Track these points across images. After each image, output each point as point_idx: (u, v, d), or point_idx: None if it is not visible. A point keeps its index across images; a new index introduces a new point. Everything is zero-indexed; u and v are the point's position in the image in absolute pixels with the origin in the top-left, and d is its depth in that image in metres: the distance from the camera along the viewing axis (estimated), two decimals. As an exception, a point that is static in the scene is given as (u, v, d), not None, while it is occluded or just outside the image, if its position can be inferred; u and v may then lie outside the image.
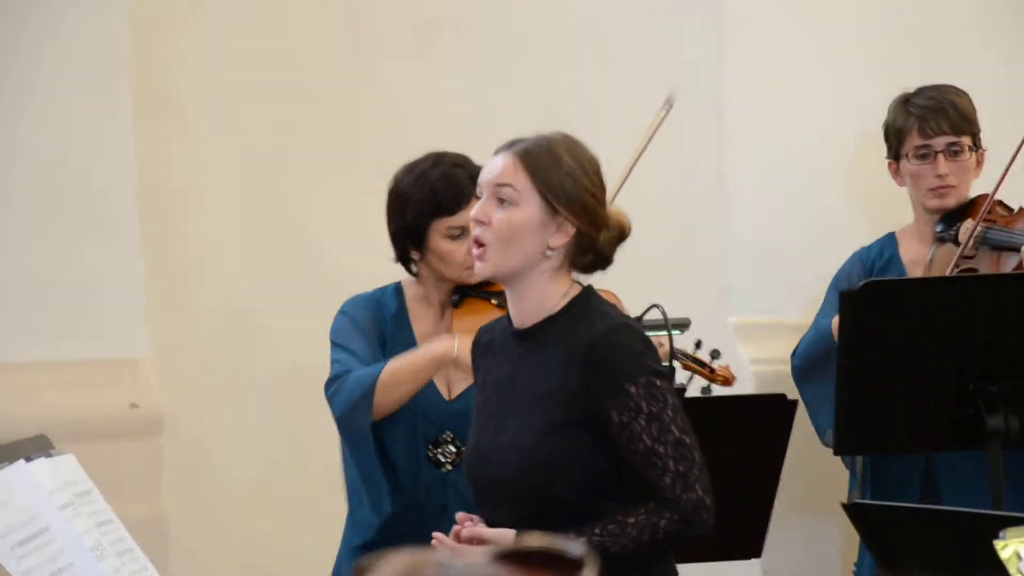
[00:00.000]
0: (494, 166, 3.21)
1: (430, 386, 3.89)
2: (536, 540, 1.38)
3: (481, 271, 3.22)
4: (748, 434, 3.97)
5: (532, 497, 3.16)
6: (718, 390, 4.31)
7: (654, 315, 3.92)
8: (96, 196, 4.75)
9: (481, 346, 3.33)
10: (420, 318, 3.94)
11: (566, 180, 3.17)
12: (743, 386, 4.91)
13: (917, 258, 4.59)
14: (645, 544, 3.12)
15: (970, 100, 4.58)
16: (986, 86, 4.82)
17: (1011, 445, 4.04)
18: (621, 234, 3.24)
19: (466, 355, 3.71)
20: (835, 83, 5.15)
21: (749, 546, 4.06)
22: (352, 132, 4.98)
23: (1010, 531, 2.49)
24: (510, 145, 3.23)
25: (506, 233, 3.17)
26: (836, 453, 4.33)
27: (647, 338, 3.21)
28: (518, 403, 3.20)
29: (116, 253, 4.77)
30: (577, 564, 1.38)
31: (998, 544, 2.46)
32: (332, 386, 3.86)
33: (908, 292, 4.08)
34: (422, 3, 5.07)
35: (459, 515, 3.26)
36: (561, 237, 3.18)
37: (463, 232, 3.87)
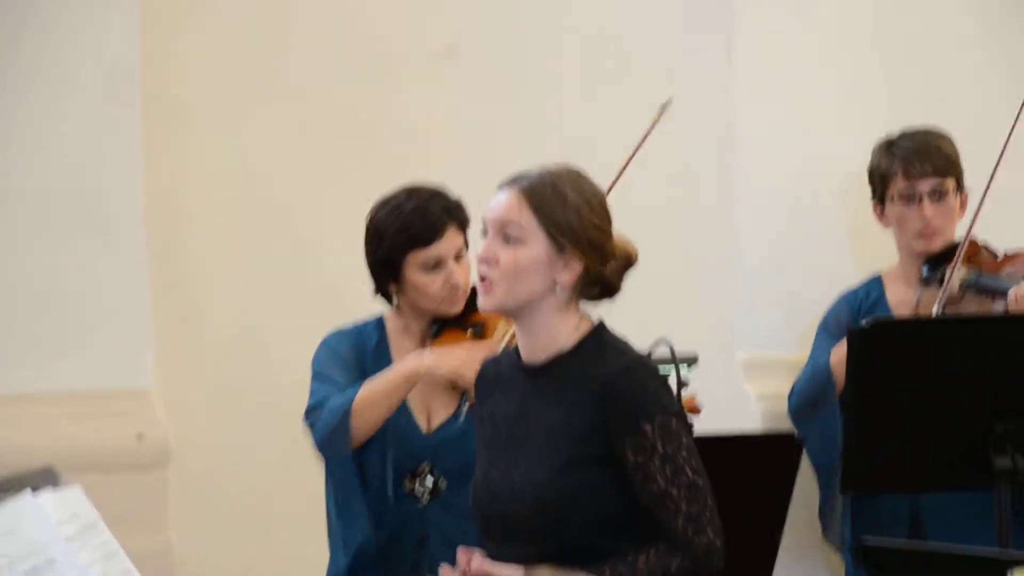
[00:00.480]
0: (498, 203, 3.21)
1: (408, 417, 3.93)
2: (546, 575, 1.39)
3: (485, 305, 3.23)
4: (755, 473, 3.96)
5: (546, 533, 3.15)
6: (722, 412, 4.30)
7: (662, 350, 3.92)
8: (104, 220, 4.75)
9: (487, 380, 3.33)
10: (401, 350, 3.98)
11: (572, 217, 3.17)
12: (750, 422, 4.91)
13: (904, 300, 4.62)
14: None
15: (952, 143, 4.64)
16: (993, 114, 4.83)
17: (1019, 485, 4.04)
18: (628, 262, 3.25)
19: (438, 366, 3.76)
20: (844, 113, 5.16)
21: (755, 585, 4.05)
22: (362, 152, 4.99)
23: (1018, 570, 2.49)
24: (513, 181, 3.22)
25: (512, 272, 3.18)
26: (842, 491, 4.33)
27: (661, 376, 3.21)
28: (530, 439, 3.20)
29: (123, 281, 4.77)
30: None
31: (1006, 586, 2.46)
32: (311, 415, 3.91)
33: (916, 331, 4.09)
34: (434, 27, 5.08)
35: (460, 549, 3.26)
36: (569, 273, 3.19)
37: (438, 264, 3.93)
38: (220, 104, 4.92)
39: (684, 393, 4.17)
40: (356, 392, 3.84)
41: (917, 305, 4.56)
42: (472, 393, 3.72)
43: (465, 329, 3.97)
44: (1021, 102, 4.51)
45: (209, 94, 4.91)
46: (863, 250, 5.14)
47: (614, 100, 5.12)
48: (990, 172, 4.44)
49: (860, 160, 5.11)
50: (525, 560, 3.17)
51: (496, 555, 3.23)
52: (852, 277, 4.87)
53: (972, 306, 4.46)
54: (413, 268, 3.94)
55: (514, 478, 3.19)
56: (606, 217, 3.22)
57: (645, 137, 4.02)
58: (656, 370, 3.21)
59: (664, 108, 4.03)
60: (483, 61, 5.09)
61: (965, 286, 4.49)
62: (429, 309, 3.96)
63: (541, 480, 3.16)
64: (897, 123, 4.75)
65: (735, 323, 5.12)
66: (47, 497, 3.05)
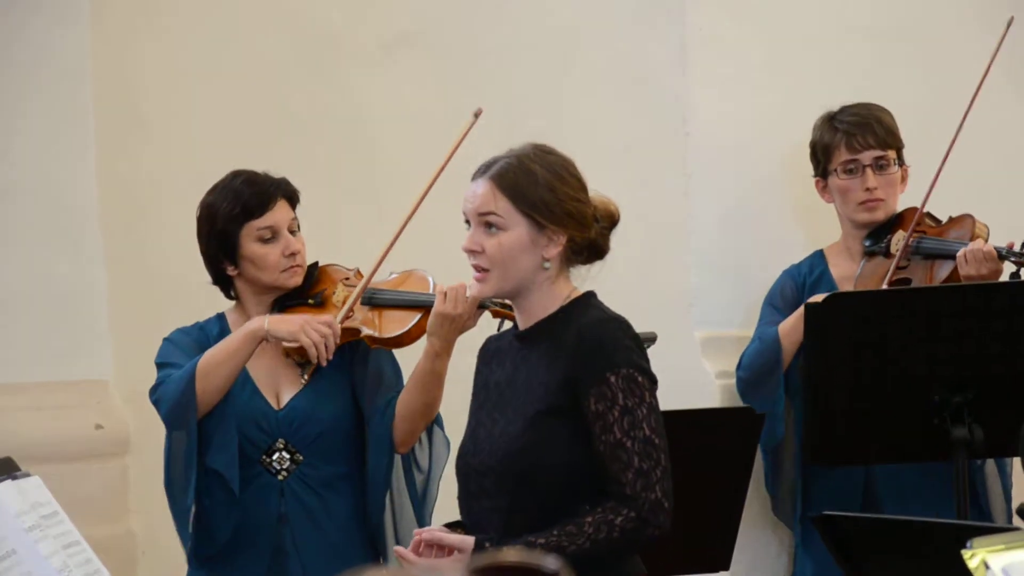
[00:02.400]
0: (474, 195, 3.29)
1: (259, 396, 3.98)
2: (512, 554, 1.39)
3: (482, 292, 3.32)
4: (716, 447, 3.98)
5: (514, 484, 3.21)
6: (681, 389, 4.30)
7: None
8: (58, 213, 4.73)
9: (488, 353, 3.41)
10: None
11: (545, 194, 3.24)
12: (709, 399, 4.92)
13: (847, 273, 4.66)
14: (602, 542, 3.15)
15: (892, 116, 4.69)
16: (945, 89, 4.87)
17: (976, 455, 4.07)
18: (612, 221, 3.34)
19: (278, 327, 3.83)
20: (797, 97, 5.17)
21: (717, 558, 4.07)
22: (318, 144, 4.98)
23: (977, 540, 2.50)
24: (484, 170, 3.30)
25: (500, 258, 3.26)
26: (806, 463, 4.35)
27: (637, 336, 3.26)
28: (514, 397, 3.27)
29: (80, 273, 4.76)
30: (552, 578, 1.39)
31: (966, 554, 2.48)
32: (156, 391, 3.97)
33: (873, 304, 4.11)
34: (387, 15, 5.07)
35: (415, 531, 3.30)
36: (554, 248, 3.26)
37: (274, 234, 4.01)
38: (172, 100, 4.91)
39: None
40: (198, 360, 3.90)
41: (860, 277, 4.60)
42: (314, 353, 3.77)
43: (306, 303, 4.02)
44: (980, 78, 4.53)
45: (161, 91, 4.89)
46: (819, 230, 5.15)
47: (571, 86, 5.12)
48: (941, 146, 4.47)
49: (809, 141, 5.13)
50: (496, 515, 3.22)
51: (470, 512, 3.27)
52: (806, 254, 4.89)
53: (919, 271, 4.50)
54: (249, 241, 4.01)
55: (494, 433, 3.26)
56: (579, 185, 3.29)
57: (456, 148, 4.04)
58: (633, 330, 3.26)
59: (476, 115, 4.06)
60: (439, 50, 5.08)
61: (911, 252, 4.53)
62: (269, 283, 4.01)
63: (512, 432, 3.23)
64: (852, 100, 4.78)
65: (692, 302, 5.13)
66: (6, 488, 3.03)
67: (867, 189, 4.62)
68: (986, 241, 4.46)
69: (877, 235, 4.64)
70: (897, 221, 4.63)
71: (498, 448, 3.24)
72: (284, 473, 3.95)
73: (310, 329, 3.85)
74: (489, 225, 3.25)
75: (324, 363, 3.87)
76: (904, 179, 4.69)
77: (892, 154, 4.66)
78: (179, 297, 4.88)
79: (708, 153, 5.16)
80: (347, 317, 3.94)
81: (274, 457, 3.96)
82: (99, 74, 4.78)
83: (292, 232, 4.04)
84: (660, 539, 3.20)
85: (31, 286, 4.70)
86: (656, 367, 4.10)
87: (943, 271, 4.46)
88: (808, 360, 4.07)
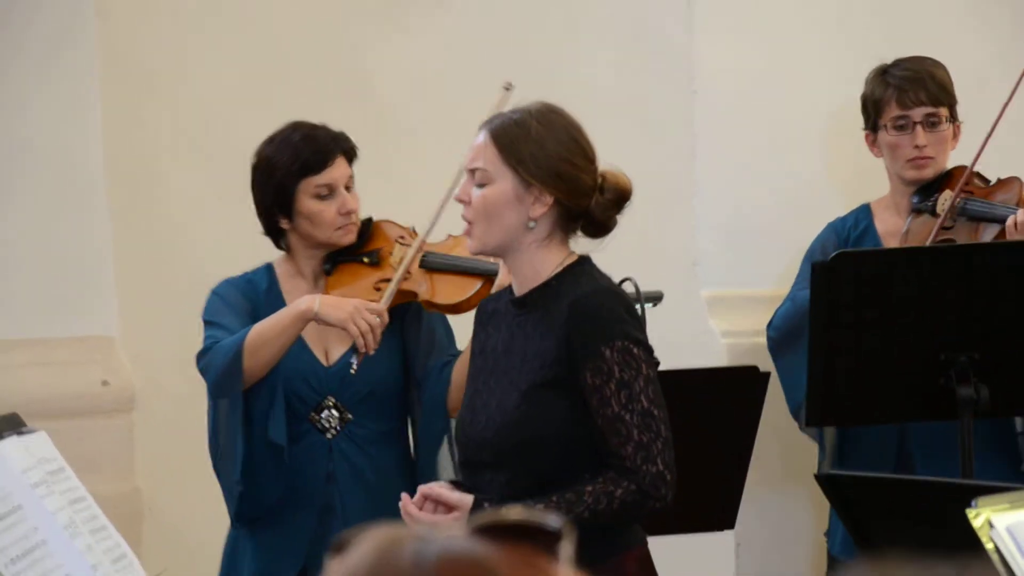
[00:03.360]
0: (472, 147, 3.25)
1: (308, 353, 3.95)
2: (514, 513, 1.39)
3: (470, 248, 3.29)
4: (720, 406, 3.98)
5: (511, 457, 3.19)
6: (687, 348, 4.30)
7: (627, 288, 3.92)
8: (64, 170, 4.73)
9: (485, 315, 3.37)
10: (293, 292, 4.00)
11: (535, 149, 3.19)
12: (715, 358, 4.92)
13: (893, 229, 4.59)
14: (602, 513, 3.13)
15: (947, 71, 4.59)
16: (962, 57, 4.83)
17: (982, 415, 4.06)
18: (620, 197, 3.26)
19: (328, 311, 3.79)
20: (808, 52, 5.15)
21: (722, 518, 4.08)
22: (324, 100, 4.96)
23: (982, 500, 2.51)
24: (488, 123, 3.26)
25: (483, 211, 3.21)
26: (807, 424, 4.35)
27: (632, 306, 3.24)
28: (510, 367, 3.24)
29: (86, 229, 4.76)
30: (555, 536, 1.39)
31: (970, 513, 2.48)
32: (203, 358, 3.92)
33: (879, 262, 4.09)
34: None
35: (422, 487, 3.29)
36: (540, 208, 3.20)
37: (331, 191, 3.96)
38: (179, 59, 4.89)
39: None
40: (247, 332, 3.86)
41: (907, 233, 4.54)
42: (362, 343, 3.76)
43: (360, 260, 3.99)
44: None
45: (167, 50, 4.88)
46: (825, 186, 5.14)
47: (574, 43, 5.10)
48: (993, 103, 4.39)
49: (820, 98, 5.11)
50: (495, 486, 3.21)
51: (471, 482, 3.26)
52: (814, 212, 4.87)
53: (963, 233, 4.44)
54: (306, 197, 3.96)
55: (491, 404, 3.24)
56: (578, 150, 3.23)
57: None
58: (627, 299, 3.24)
59: (507, 88, 4.02)
60: (446, 9, 5.06)
61: (957, 213, 4.47)
62: (323, 240, 3.98)
63: (508, 404, 3.20)
64: (861, 62, 4.74)
65: (698, 261, 5.13)
66: (12, 443, 3.03)
67: (916, 146, 4.54)
68: None
69: (925, 192, 4.56)
70: (946, 179, 4.54)
71: (494, 421, 3.21)
72: (333, 431, 3.92)
73: (359, 318, 3.79)
74: (478, 179, 3.21)
75: (371, 352, 3.82)
76: (956, 136, 4.59)
77: (944, 111, 4.56)
78: (185, 254, 4.88)
79: (715, 111, 5.15)
80: (404, 278, 3.90)
81: (323, 415, 3.93)
82: (104, 32, 4.77)
83: (348, 189, 3.99)
84: (661, 510, 3.19)
85: (37, 243, 4.70)
86: (662, 326, 4.11)
87: (988, 235, 4.40)
88: (813, 319, 4.06)
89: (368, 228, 4.03)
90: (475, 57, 5.04)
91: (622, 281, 3.90)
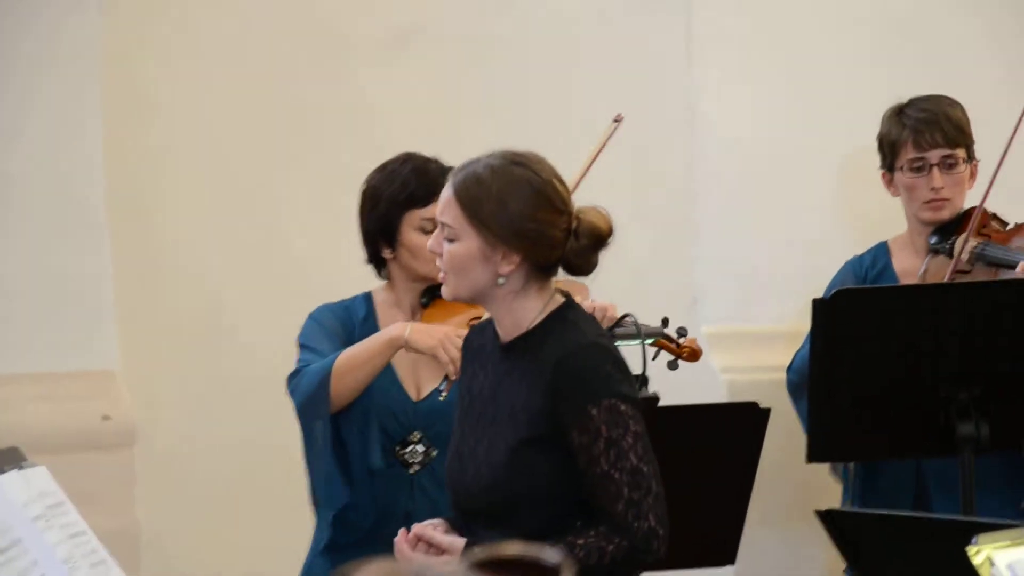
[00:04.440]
0: (440, 199, 3.23)
1: (398, 386, 3.92)
2: (513, 548, 1.39)
3: (445, 295, 3.27)
4: (721, 442, 3.97)
5: (501, 511, 3.17)
6: (687, 384, 4.28)
7: (627, 324, 3.92)
8: (65, 201, 4.73)
9: (472, 349, 3.34)
10: (390, 322, 3.96)
11: (497, 210, 3.15)
12: (716, 395, 4.92)
13: (910, 268, 4.58)
14: (592, 568, 3.12)
15: (963, 111, 4.57)
16: (972, 92, 4.83)
17: (982, 451, 4.06)
18: (597, 240, 3.21)
19: (418, 338, 3.76)
20: (809, 89, 5.17)
21: (723, 554, 4.07)
22: (326, 135, 4.98)
23: (982, 537, 2.50)
24: (455, 173, 3.22)
25: (452, 266, 3.20)
26: (809, 460, 4.34)
27: (618, 358, 3.20)
28: (496, 417, 3.22)
29: (87, 263, 4.76)
30: (553, 571, 1.39)
31: (970, 550, 2.48)
32: (293, 380, 3.89)
33: (879, 300, 4.09)
34: (395, 8, 5.07)
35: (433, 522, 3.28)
36: (507, 266, 3.17)
37: (435, 226, 3.90)
38: (181, 89, 4.91)
39: (684, 339, 4.16)
40: (336, 356, 3.84)
41: (924, 273, 4.54)
42: (452, 370, 3.75)
43: None
44: None
45: (170, 80, 4.89)
46: (824, 224, 5.15)
47: (577, 81, 5.12)
48: (991, 144, 4.40)
49: (821, 133, 5.12)
50: (486, 536, 3.18)
51: (467, 528, 3.25)
52: (814, 249, 4.88)
53: (981, 277, 4.44)
54: (409, 229, 3.93)
55: (478, 455, 3.21)
56: (543, 204, 3.17)
57: (598, 153, 3.99)
58: (613, 351, 3.20)
59: (617, 121, 4.00)
60: (446, 44, 5.08)
61: (975, 257, 4.47)
62: (423, 273, 3.95)
63: (496, 459, 3.18)
64: (863, 96, 4.75)
65: (698, 297, 5.13)
66: (13, 477, 3.03)
67: (933, 188, 4.53)
68: None
69: (943, 232, 4.54)
70: (964, 219, 4.54)
71: (483, 475, 3.19)
72: (416, 466, 3.91)
73: (449, 345, 3.75)
74: (447, 236, 3.20)
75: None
76: (973, 176, 4.57)
77: (960, 152, 4.55)
78: (187, 287, 4.88)
79: (714, 147, 5.16)
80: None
81: (408, 449, 3.91)
82: (108, 61, 4.78)
83: None
84: (653, 565, 3.18)
85: (38, 275, 4.70)
86: (663, 362, 4.11)
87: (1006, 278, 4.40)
88: (814, 355, 4.06)
89: None
90: (473, 91, 5.06)
91: (622, 318, 3.90)
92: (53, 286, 4.71)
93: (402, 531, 3.29)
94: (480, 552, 1.37)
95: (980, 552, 2.47)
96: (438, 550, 3.20)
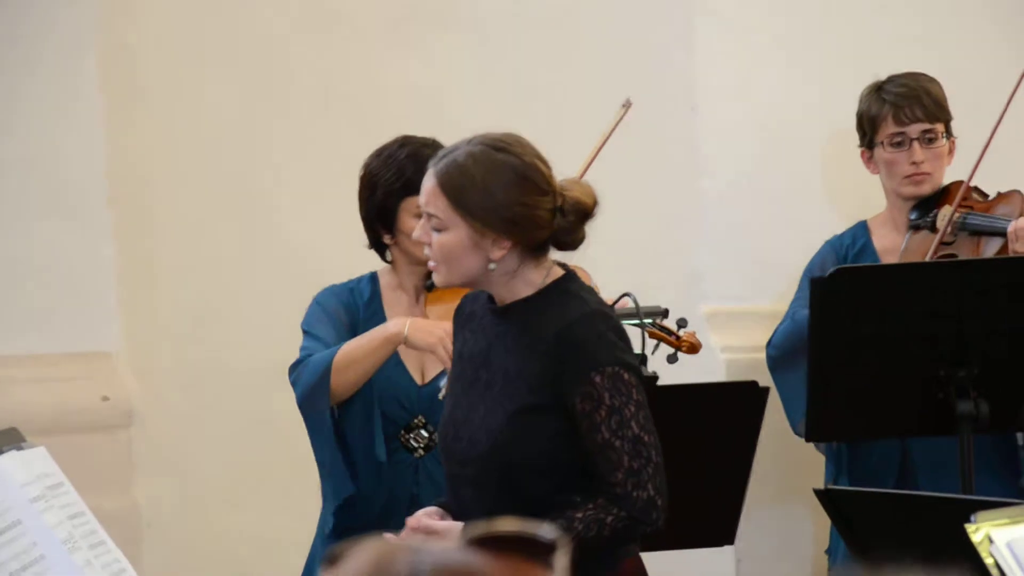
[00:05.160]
0: (423, 188, 3.22)
1: (404, 371, 3.92)
2: (508, 524, 1.39)
3: (437, 283, 3.27)
4: (720, 422, 3.97)
5: (497, 479, 3.17)
6: (686, 364, 4.28)
7: (627, 303, 3.92)
8: (66, 186, 4.73)
9: (464, 315, 3.34)
10: (394, 304, 3.96)
11: (484, 199, 3.15)
12: (715, 374, 4.92)
13: (891, 246, 4.60)
14: (592, 539, 3.13)
15: (941, 87, 4.60)
16: (957, 72, 4.83)
17: (981, 430, 4.06)
18: (582, 214, 3.20)
19: (417, 336, 3.76)
20: (810, 70, 5.16)
21: (722, 533, 4.07)
22: (325, 121, 4.97)
23: (981, 515, 2.50)
24: (436, 161, 3.21)
25: (442, 255, 3.20)
26: (807, 440, 4.34)
27: (621, 328, 3.21)
28: (491, 382, 3.22)
29: (87, 244, 4.76)
30: (549, 548, 1.39)
31: (969, 528, 2.48)
32: (295, 371, 3.90)
33: (878, 278, 4.09)
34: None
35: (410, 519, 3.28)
36: (498, 251, 3.18)
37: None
38: (179, 74, 4.90)
39: (684, 331, 4.16)
40: (336, 351, 3.84)
41: (905, 250, 4.55)
42: (451, 368, 3.75)
43: None
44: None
45: (168, 66, 4.89)
46: (826, 203, 5.15)
47: (577, 61, 5.11)
48: (984, 119, 4.40)
49: (822, 115, 5.11)
50: (480, 503, 3.20)
51: (455, 498, 3.25)
52: (814, 229, 4.87)
53: (965, 247, 4.45)
54: (407, 216, 3.91)
55: (474, 421, 3.21)
56: (529, 188, 3.16)
57: (607, 138, 3.98)
58: (615, 321, 3.21)
59: (627, 106, 3.98)
60: (445, 27, 5.07)
61: (957, 228, 4.48)
62: (423, 258, 3.95)
63: (493, 425, 3.18)
64: (863, 78, 4.75)
65: (699, 277, 5.13)
66: (12, 458, 3.03)
67: (914, 163, 4.55)
68: None
69: (923, 208, 4.57)
70: (943, 194, 4.56)
71: (478, 440, 3.19)
72: (421, 451, 3.90)
73: (449, 343, 3.71)
74: (433, 224, 3.19)
75: None
76: (952, 151, 4.60)
77: (940, 127, 4.58)
78: (187, 268, 4.89)
79: (715, 127, 5.15)
80: None
81: (412, 434, 3.91)
82: (105, 48, 4.78)
83: None
84: (653, 534, 3.18)
85: (38, 258, 4.70)
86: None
87: (991, 248, 4.41)
88: (812, 334, 4.06)
89: None
90: (479, 77, 5.05)
91: (621, 296, 3.90)
92: (53, 267, 4.71)
93: (409, 520, 3.29)
94: (475, 529, 1.37)
95: (979, 530, 2.47)
96: (434, 533, 3.21)
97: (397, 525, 3.73)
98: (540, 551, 1.40)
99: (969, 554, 2.48)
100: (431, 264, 3.25)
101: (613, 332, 3.17)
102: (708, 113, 5.15)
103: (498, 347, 3.22)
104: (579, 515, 3.13)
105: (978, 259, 4.32)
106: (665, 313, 4.18)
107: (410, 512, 3.73)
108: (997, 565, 2.44)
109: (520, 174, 3.16)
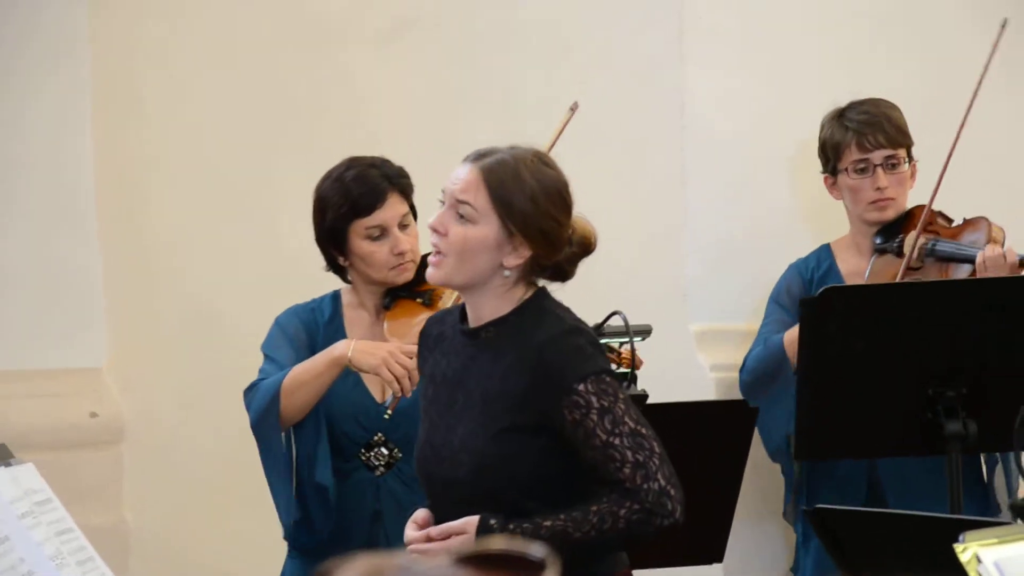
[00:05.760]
0: (458, 177, 3.20)
1: (362, 390, 3.94)
2: (498, 543, 1.39)
3: (432, 278, 3.26)
4: (709, 440, 3.97)
5: (484, 499, 3.17)
6: (675, 382, 4.29)
7: (615, 322, 3.92)
8: (54, 196, 4.72)
9: (431, 338, 3.33)
10: (355, 324, 3.99)
11: (527, 205, 3.16)
12: (704, 392, 4.92)
13: (855, 269, 4.65)
14: (607, 532, 3.12)
15: (900, 112, 4.67)
16: (962, 86, 4.86)
17: (970, 450, 4.07)
18: (585, 250, 3.25)
19: (360, 358, 3.78)
20: (801, 86, 5.17)
21: (710, 551, 4.07)
22: (316, 129, 4.97)
23: (969, 534, 2.51)
24: (478, 157, 3.21)
25: (460, 248, 3.18)
26: (796, 459, 4.35)
27: (597, 340, 3.23)
28: (468, 404, 3.21)
29: (76, 260, 4.75)
30: (538, 566, 1.39)
31: (958, 547, 2.48)
32: (249, 395, 3.93)
33: (868, 298, 4.11)
34: (387, 1, 5.06)
35: (421, 514, 3.26)
36: (516, 259, 3.19)
37: (383, 232, 3.94)
38: (171, 82, 4.90)
39: (626, 345, 4.16)
40: (286, 374, 3.86)
41: (870, 274, 4.59)
42: (396, 388, 3.77)
43: (415, 299, 3.97)
44: (981, 72, 4.51)
45: (160, 74, 4.88)
46: (814, 221, 5.16)
47: (568, 75, 5.11)
48: (947, 140, 4.45)
49: (812, 131, 5.12)
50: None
51: (439, 516, 3.25)
52: (804, 248, 4.89)
53: (932, 273, 4.49)
54: (358, 238, 3.94)
55: (453, 442, 3.21)
56: (564, 208, 3.20)
57: (555, 140, 3.99)
58: (592, 335, 3.23)
59: (573, 109, 3.99)
60: (437, 37, 5.08)
61: (925, 254, 4.52)
62: (378, 280, 3.97)
63: (477, 446, 3.17)
64: (849, 94, 4.77)
65: (688, 294, 5.14)
66: (0, 475, 3.03)
67: (878, 188, 4.61)
68: (1003, 244, 4.45)
69: (888, 233, 4.62)
70: (907, 218, 4.62)
71: (462, 462, 3.18)
72: (382, 469, 3.92)
73: (393, 363, 3.77)
74: (461, 214, 3.18)
75: (407, 395, 3.80)
76: (913, 176, 4.67)
77: (902, 152, 4.64)
78: (176, 284, 4.88)
79: (704, 144, 5.16)
80: None
81: (372, 452, 3.92)
82: (97, 55, 4.77)
83: (404, 226, 3.96)
84: (672, 528, 3.16)
85: (25, 272, 4.69)
86: (651, 360, 4.11)
87: (959, 275, 4.45)
88: (801, 354, 4.07)
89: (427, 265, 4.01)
90: (466, 84, 5.06)
91: (611, 315, 3.91)
92: (41, 283, 4.70)
93: (410, 525, 3.26)
94: (464, 548, 1.37)
95: (967, 549, 2.48)
96: (453, 533, 3.18)
97: (357, 542, 3.75)
98: (530, 569, 1.40)
99: (958, 573, 2.48)
100: (433, 258, 3.22)
101: (590, 345, 3.19)
102: (697, 128, 5.16)
103: (474, 367, 3.22)
104: (594, 508, 3.13)
105: (968, 279, 4.34)
106: (649, 331, 4.19)
107: (373, 529, 3.76)
108: (985, 584, 2.45)
109: (560, 191, 3.20)
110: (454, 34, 5.08)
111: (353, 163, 3.99)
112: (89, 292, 4.76)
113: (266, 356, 3.98)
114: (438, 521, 3.24)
